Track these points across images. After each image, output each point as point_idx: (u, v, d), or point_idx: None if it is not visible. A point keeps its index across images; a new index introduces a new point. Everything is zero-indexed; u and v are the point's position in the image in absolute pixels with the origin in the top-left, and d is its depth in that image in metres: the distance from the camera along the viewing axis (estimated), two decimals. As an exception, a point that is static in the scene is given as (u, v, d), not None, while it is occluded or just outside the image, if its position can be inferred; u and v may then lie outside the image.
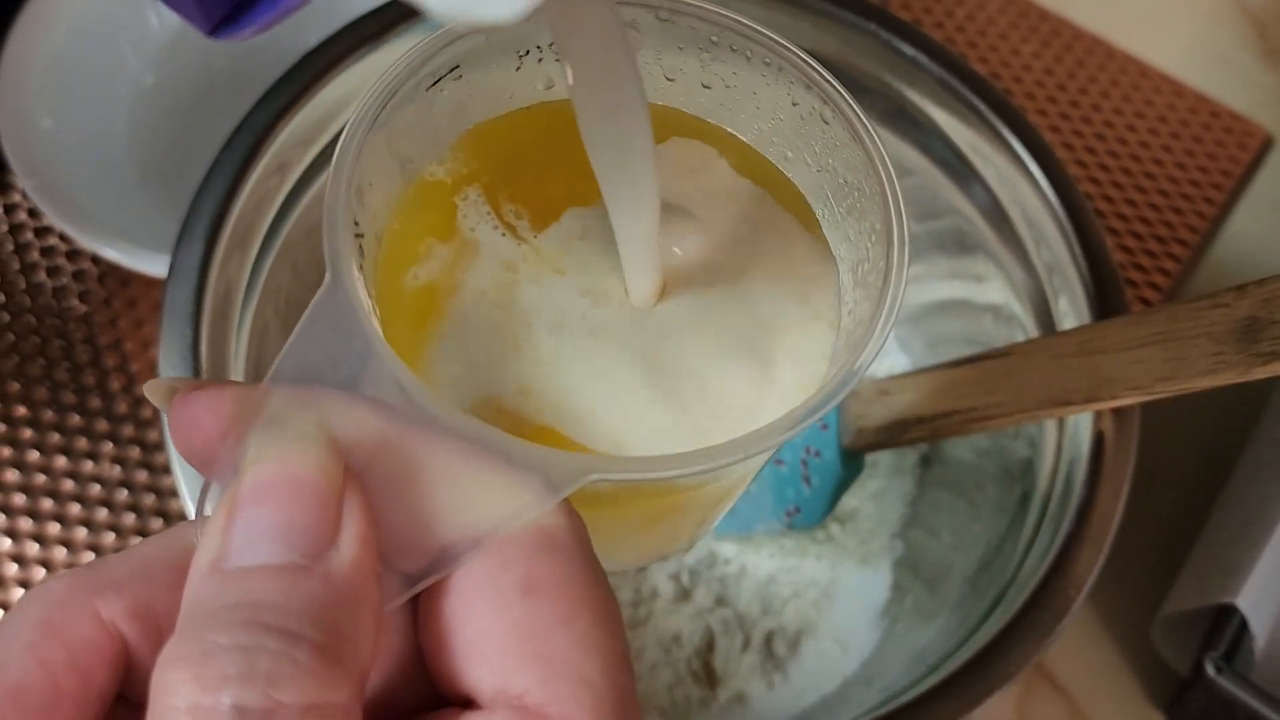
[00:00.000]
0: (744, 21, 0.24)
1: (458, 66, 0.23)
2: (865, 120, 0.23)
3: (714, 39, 0.24)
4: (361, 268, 0.21)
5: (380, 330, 0.19)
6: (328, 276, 0.19)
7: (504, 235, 0.23)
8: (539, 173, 0.24)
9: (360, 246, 0.21)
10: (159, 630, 0.16)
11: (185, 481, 0.32)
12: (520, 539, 0.17)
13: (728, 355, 0.22)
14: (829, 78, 0.23)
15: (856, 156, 0.23)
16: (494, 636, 0.16)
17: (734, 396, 0.21)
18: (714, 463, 0.19)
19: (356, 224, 0.21)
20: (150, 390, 0.18)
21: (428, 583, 0.17)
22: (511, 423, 0.20)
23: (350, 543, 0.16)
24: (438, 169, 0.24)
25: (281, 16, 0.17)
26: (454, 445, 0.17)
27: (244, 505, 0.16)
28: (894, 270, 0.21)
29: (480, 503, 0.17)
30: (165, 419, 0.33)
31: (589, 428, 0.20)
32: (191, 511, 0.32)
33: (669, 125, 0.25)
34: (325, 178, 0.40)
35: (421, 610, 0.17)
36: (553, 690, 0.16)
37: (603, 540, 0.19)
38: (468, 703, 0.17)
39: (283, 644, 0.15)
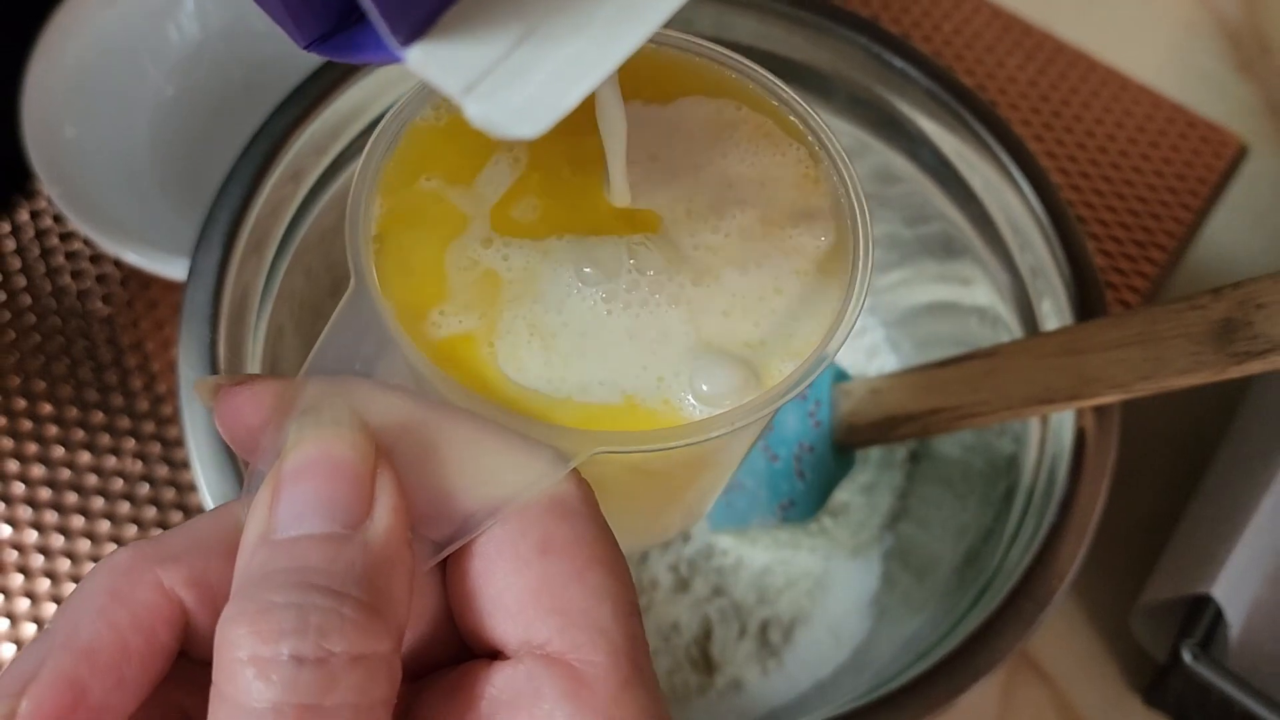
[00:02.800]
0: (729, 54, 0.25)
1: None
2: (836, 143, 0.24)
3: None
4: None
5: (401, 326, 0.20)
6: (352, 280, 0.21)
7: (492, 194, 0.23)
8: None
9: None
10: (213, 596, 0.17)
11: (204, 476, 0.32)
12: (536, 506, 0.18)
13: (731, 321, 0.22)
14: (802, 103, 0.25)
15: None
16: (515, 592, 0.17)
17: (730, 379, 0.22)
18: (704, 435, 0.21)
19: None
20: (198, 388, 0.19)
21: (454, 547, 0.18)
22: (530, 398, 0.21)
23: (384, 513, 0.17)
24: (429, 112, 0.24)
25: (366, 61, 0.18)
26: (471, 424, 0.18)
27: (287, 483, 0.17)
28: (860, 263, 0.23)
29: (497, 475, 0.18)
30: (185, 419, 0.33)
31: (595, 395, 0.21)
32: (208, 503, 0.32)
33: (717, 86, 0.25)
34: (340, 184, 0.40)
35: (449, 573, 0.18)
36: (571, 638, 0.17)
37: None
38: (495, 654, 0.18)
39: (331, 601, 0.16)
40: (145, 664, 0.17)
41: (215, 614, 0.16)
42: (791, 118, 0.25)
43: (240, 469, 0.32)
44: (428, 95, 0.24)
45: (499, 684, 0.17)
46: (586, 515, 0.18)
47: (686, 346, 0.22)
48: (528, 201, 0.23)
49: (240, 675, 0.15)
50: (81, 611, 0.17)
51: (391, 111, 0.23)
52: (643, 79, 0.24)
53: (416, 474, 0.18)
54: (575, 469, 0.19)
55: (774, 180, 0.24)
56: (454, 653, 0.19)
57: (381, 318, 0.20)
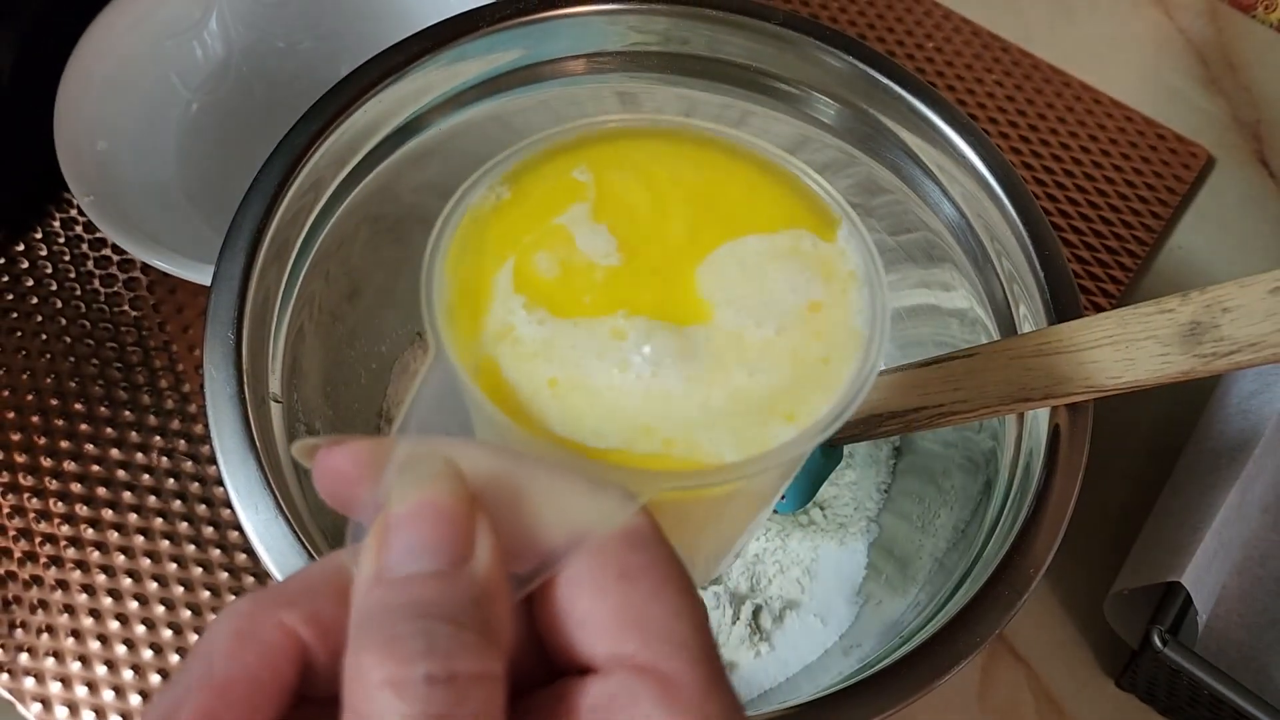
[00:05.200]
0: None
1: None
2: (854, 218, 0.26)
3: None
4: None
5: (478, 389, 0.22)
6: (431, 348, 0.22)
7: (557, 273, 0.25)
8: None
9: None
10: (329, 634, 0.18)
11: (228, 471, 0.32)
12: (612, 539, 0.19)
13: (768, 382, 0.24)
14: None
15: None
16: (601, 613, 0.18)
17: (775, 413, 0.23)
18: (754, 469, 0.22)
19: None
20: (298, 451, 0.20)
21: (539, 581, 0.19)
22: (587, 450, 0.22)
23: (484, 551, 0.18)
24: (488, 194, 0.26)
25: None
26: (548, 471, 0.20)
27: (396, 528, 0.18)
28: (878, 326, 0.24)
29: (574, 514, 0.19)
30: (210, 417, 0.33)
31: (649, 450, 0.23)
32: (234, 498, 0.32)
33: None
34: (358, 194, 0.40)
35: (538, 602, 0.19)
36: (656, 649, 0.18)
37: None
38: (584, 671, 0.19)
39: (453, 629, 0.17)
40: (273, 698, 0.18)
41: (331, 650, 0.18)
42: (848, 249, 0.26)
43: (262, 466, 0.32)
44: (485, 178, 0.25)
45: (595, 694, 0.18)
46: (658, 544, 0.19)
47: (698, 409, 0.23)
48: (585, 281, 0.25)
49: (378, 696, 0.16)
50: (213, 652, 0.18)
51: (455, 196, 0.25)
52: (751, 214, 0.26)
53: (503, 517, 0.19)
54: (644, 506, 0.20)
55: (825, 305, 0.25)
56: (538, 677, 0.19)
57: (461, 383, 0.22)
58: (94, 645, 0.44)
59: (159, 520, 0.47)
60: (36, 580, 0.45)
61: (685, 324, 0.24)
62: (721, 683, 0.18)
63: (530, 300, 0.24)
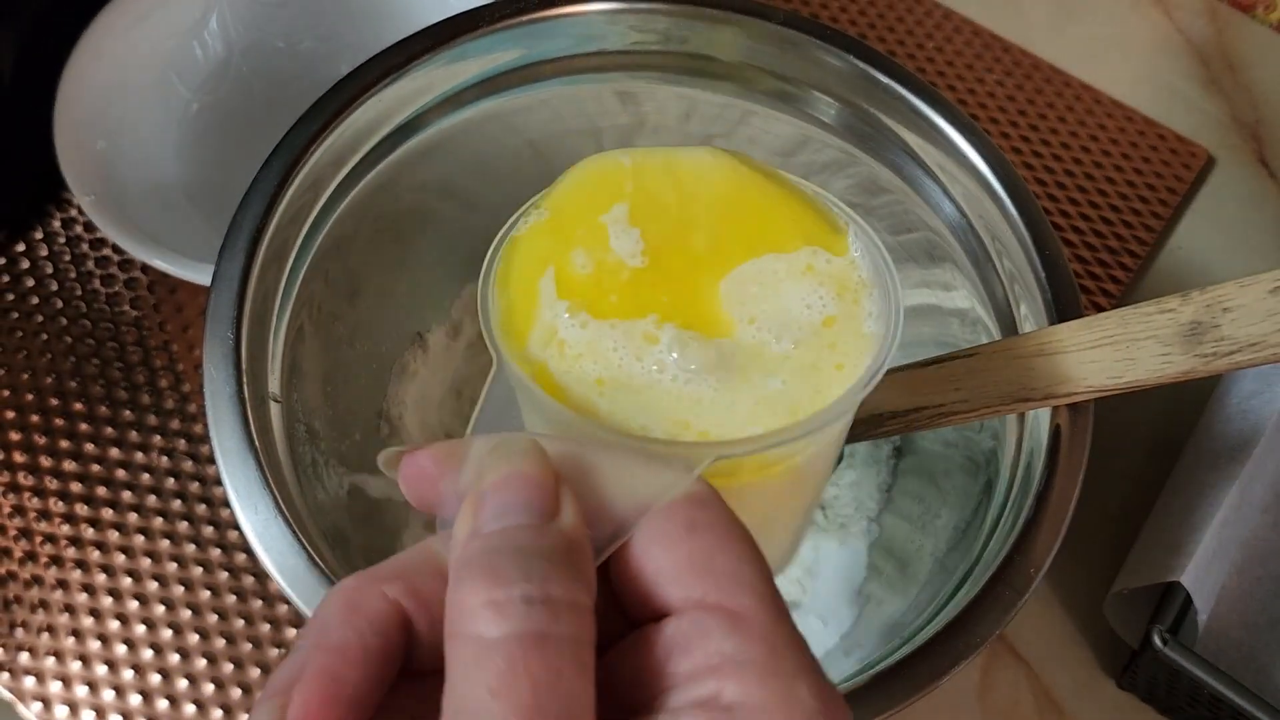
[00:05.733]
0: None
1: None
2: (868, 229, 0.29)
3: None
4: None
5: (540, 388, 0.25)
6: (495, 362, 0.25)
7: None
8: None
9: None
10: (428, 605, 0.20)
11: (227, 470, 0.32)
12: (678, 500, 0.21)
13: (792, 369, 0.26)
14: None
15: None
16: (672, 563, 0.20)
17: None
18: (790, 435, 0.25)
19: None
20: (383, 461, 0.22)
21: (613, 547, 0.21)
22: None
23: (569, 511, 0.20)
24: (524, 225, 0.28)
25: None
26: (613, 450, 0.22)
27: (488, 495, 0.20)
28: (894, 314, 0.27)
29: (640, 486, 0.21)
30: (210, 416, 0.33)
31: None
32: (233, 497, 0.32)
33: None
34: (357, 193, 0.40)
35: (614, 562, 0.21)
36: (725, 590, 0.19)
37: None
38: (659, 619, 0.20)
39: (547, 562, 0.19)
40: (384, 661, 0.19)
41: (430, 622, 0.19)
42: (861, 266, 0.29)
43: (261, 466, 0.32)
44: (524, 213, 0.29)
45: (670, 632, 0.20)
46: (718, 504, 0.21)
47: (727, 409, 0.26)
48: (614, 281, 0.27)
49: (479, 615, 0.18)
50: (328, 620, 0.19)
51: (506, 226, 0.28)
52: (771, 232, 0.28)
53: (579, 492, 0.21)
54: (701, 476, 0.22)
55: (838, 319, 0.28)
56: (614, 634, 0.21)
57: (525, 387, 0.25)
58: (94, 645, 0.44)
59: (159, 520, 0.47)
60: (37, 580, 0.45)
61: (711, 336, 0.27)
62: (787, 619, 0.20)
63: (573, 304, 0.26)
